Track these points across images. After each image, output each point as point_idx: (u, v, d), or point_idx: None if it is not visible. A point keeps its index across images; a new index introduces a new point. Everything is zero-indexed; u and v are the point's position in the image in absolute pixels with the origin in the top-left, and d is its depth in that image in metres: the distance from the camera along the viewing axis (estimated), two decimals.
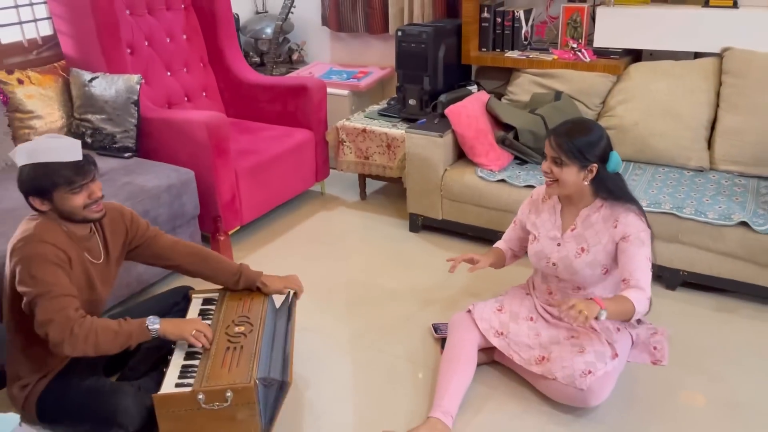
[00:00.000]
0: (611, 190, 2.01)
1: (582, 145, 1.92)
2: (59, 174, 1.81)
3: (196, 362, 1.90)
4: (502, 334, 2.14)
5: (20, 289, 1.81)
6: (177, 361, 1.91)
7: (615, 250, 2.00)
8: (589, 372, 1.92)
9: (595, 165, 1.94)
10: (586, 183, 1.98)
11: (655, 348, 2.24)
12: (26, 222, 1.90)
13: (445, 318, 2.46)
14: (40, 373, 1.96)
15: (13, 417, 1.36)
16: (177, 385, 1.81)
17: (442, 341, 2.35)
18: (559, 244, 2.09)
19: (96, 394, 1.90)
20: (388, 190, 3.74)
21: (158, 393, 1.78)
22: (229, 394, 1.77)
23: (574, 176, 1.96)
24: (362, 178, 3.60)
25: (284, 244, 3.17)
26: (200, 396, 1.77)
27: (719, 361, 2.24)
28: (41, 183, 1.82)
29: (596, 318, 1.79)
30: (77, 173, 1.84)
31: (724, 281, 2.54)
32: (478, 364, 2.15)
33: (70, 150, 1.83)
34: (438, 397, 1.99)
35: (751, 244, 2.42)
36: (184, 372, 1.86)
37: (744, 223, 2.42)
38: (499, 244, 2.37)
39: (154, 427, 1.95)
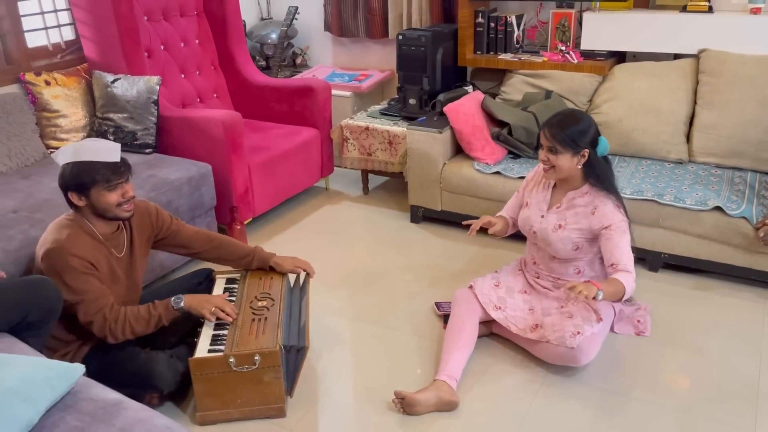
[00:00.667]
0: (599, 175, 2.23)
1: (573, 134, 2.15)
2: (99, 172, 2.00)
3: (224, 332, 2.10)
4: (500, 308, 2.36)
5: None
6: (207, 331, 2.11)
7: (590, 233, 2.23)
8: (578, 333, 2.15)
9: (587, 150, 2.18)
10: (579, 167, 2.21)
11: (638, 321, 2.47)
12: (58, 229, 2.04)
13: (446, 297, 2.68)
14: (78, 342, 2.15)
15: (79, 367, 1.55)
16: (209, 351, 2.02)
17: (445, 317, 2.57)
18: (542, 216, 2.33)
19: (133, 361, 2.10)
20: (389, 185, 3.96)
21: (193, 357, 1.99)
22: (257, 357, 1.98)
23: (569, 161, 2.19)
24: (365, 174, 3.82)
25: (293, 235, 3.38)
26: (231, 359, 1.97)
27: (697, 334, 2.46)
28: (82, 179, 2.00)
29: (594, 298, 2.00)
30: (114, 173, 2.03)
31: (701, 262, 2.77)
32: (479, 336, 2.37)
33: (111, 152, 2.02)
34: (443, 362, 2.20)
35: (725, 227, 2.65)
36: (215, 340, 2.07)
37: (719, 208, 2.65)
38: (504, 212, 2.58)
39: (185, 390, 2.17)
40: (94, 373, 2.12)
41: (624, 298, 2.16)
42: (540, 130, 2.26)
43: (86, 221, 2.08)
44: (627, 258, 2.17)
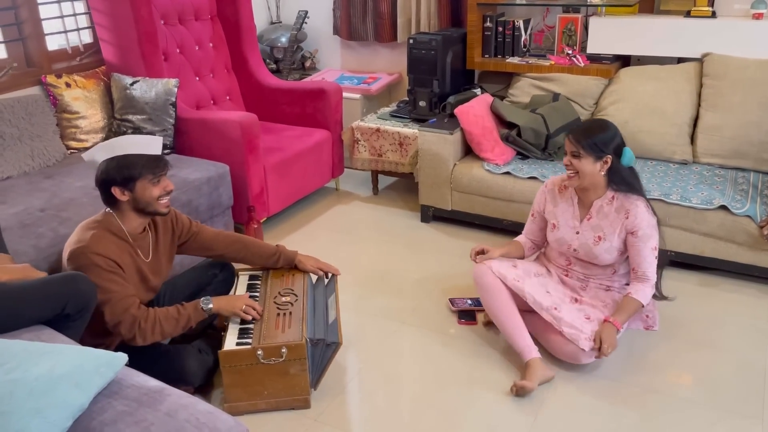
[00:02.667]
0: (624, 179, 2.30)
1: (597, 140, 2.23)
2: (145, 165, 2.04)
3: (251, 325, 2.17)
4: (518, 281, 2.40)
5: None
6: (234, 325, 2.19)
7: (626, 238, 2.32)
8: (593, 339, 2.23)
9: (610, 156, 2.24)
10: (602, 173, 2.27)
11: (647, 316, 2.55)
12: (82, 231, 2.07)
13: (458, 294, 2.76)
14: (106, 338, 2.20)
15: (123, 356, 1.62)
16: (237, 344, 2.09)
17: (459, 313, 2.65)
18: (577, 232, 2.39)
19: (163, 356, 2.17)
20: (398, 185, 4.05)
21: (223, 350, 2.06)
22: (284, 350, 2.05)
23: (591, 166, 2.25)
24: (375, 175, 3.90)
25: (306, 234, 3.45)
26: (259, 352, 2.04)
27: (703, 329, 2.54)
28: (130, 172, 2.02)
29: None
30: (158, 164, 2.07)
31: (706, 259, 2.85)
32: (491, 325, 2.49)
33: (152, 145, 2.07)
34: (518, 344, 2.29)
35: (730, 225, 2.73)
36: (242, 333, 2.14)
37: (724, 207, 2.74)
38: (519, 237, 2.63)
39: (211, 383, 2.23)
40: None
41: (639, 309, 2.29)
42: (554, 133, 2.34)
43: (116, 220, 2.10)
44: (647, 264, 2.27)
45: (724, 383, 2.24)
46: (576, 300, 2.38)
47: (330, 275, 2.51)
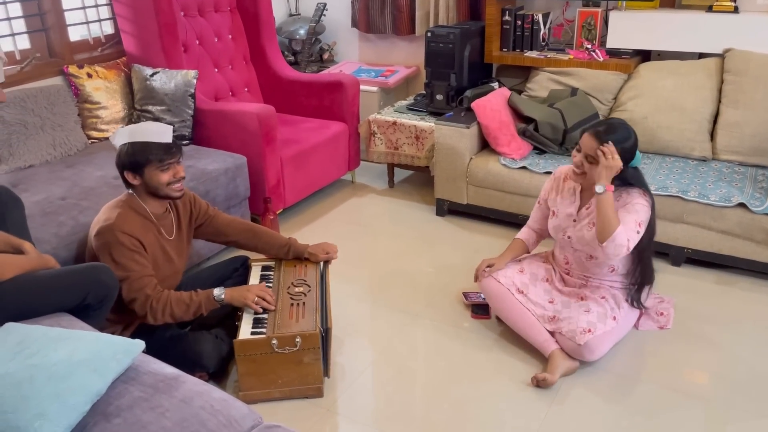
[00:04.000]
0: (627, 180, 2.28)
1: (617, 148, 2.18)
2: (152, 152, 2.12)
3: (265, 315, 2.20)
4: (522, 292, 2.43)
5: None
6: (249, 314, 2.21)
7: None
8: (589, 330, 2.21)
9: (621, 167, 2.21)
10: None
11: (661, 313, 2.53)
12: (110, 209, 2.17)
13: (472, 288, 2.76)
14: (125, 322, 2.26)
15: (140, 343, 1.65)
16: (252, 333, 2.12)
17: (473, 306, 2.66)
18: (574, 221, 2.38)
19: (180, 341, 2.21)
20: (414, 178, 4.05)
21: (238, 339, 2.09)
22: (298, 339, 2.08)
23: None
24: (391, 168, 3.90)
25: (322, 226, 3.48)
26: (274, 341, 2.07)
27: (719, 328, 2.52)
28: (137, 158, 2.13)
29: (597, 190, 2.16)
30: (166, 153, 2.15)
31: (724, 257, 2.83)
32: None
33: (163, 133, 2.14)
34: (537, 341, 2.33)
35: (749, 223, 2.71)
36: (257, 323, 2.17)
37: (742, 205, 2.71)
38: (523, 230, 2.63)
39: (224, 372, 2.27)
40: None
41: (610, 242, 2.15)
42: (571, 128, 2.32)
43: (139, 201, 2.20)
44: (627, 225, 2.17)
45: (739, 382, 2.22)
46: (581, 297, 2.37)
47: (322, 264, 2.53)
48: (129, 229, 2.12)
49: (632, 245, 2.20)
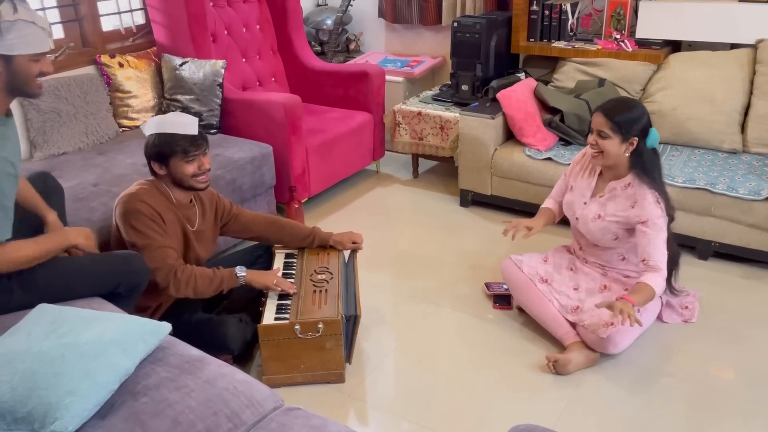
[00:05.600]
0: (645, 166, 2.26)
1: (625, 120, 2.20)
2: (177, 144, 2.16)
3: (288, 302, 2.24)
4: (546, 281, 2.44)
5: (127, 239, 2.17)
6: (272, 300, 2.25)
7: (627, 224, 2.28)
8: (611, 324, 2.20)
9: (636, 138, 2.22)
10: (627, 154, 2.25)
11: (686, 307, 2.51)
12: (135, 185, 2.23)
13: (494, 279, 2.77)
14: (152, 306, 2.31)
15: (167, 325, 1.70)
16: (275, 319, 2.16)
17: (495, 297, 2.66)
18: (585, 203, 2.39)
19: (206, 324, 2.26)
20: (438, 169, 4.06)
21: (261, 323, 2.13)
22: (320, 325, 2.11)
23: (617, 148, 2.23)
24: (415, 158, 3.92)
25: (346, 215, 3.51)
26: (297, 327, 2.11)
27: (744, 322, 2.49)
28: (163, 150, 2.17)
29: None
30: (191, 144, 2.18)
31: (752, 251, 2.78)
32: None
33: (189, 125, 2.17)
34: (557, 332, 2.35)
35: None
36: (280, 309, 2.21)
37: None
38: (547, 202, 2.64)
39: (250, 354, 2.32)
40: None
41: (655, 297, 2.19)
42: (593, 113, 2.31)
43: (164, 186, 2.25)
44: (659, 255, 2.21)
45: (764, 378, 2.20)
46: (605, 287, 2.37)
47: (348, 253, 2.56)
48: (150, 201, 2.16)
49: (666, 268, 2.22)
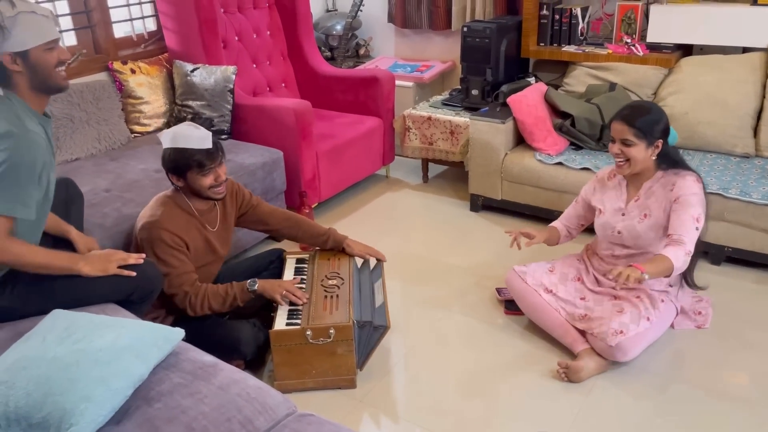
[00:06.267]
0: (674, 159, 2.25)
1: (647, 124, 2.18)
2: (193, 159, 2.17)
3: (300, 307, 2.24)
4: (551, 291, 2.42)
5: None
6: (284, 306, 2.26)
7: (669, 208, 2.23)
8: (621, 332, 2.17)
9: (660, 140, 2.19)
10: (653, 158, 2.23)
11: (699, 313, 2.49)
12: (157, 205, 2.24)
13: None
14: (163, 310, 2.33)
15: (180, 331, 1.71)
16: (287, 324, 2.16)
17: (505, 302, 2.66)
18: (623, 214, 2.35)
19: (219, 329, 2.28)
20: (448, 174, 4.05)
21: (273, 329, 2.14)
22: (331, 331, 2.11)
23: (643, 153, 2.21)
24: (425, 163, 3.92)
25: (356, 220, 3.51)
26: (308, 332, 2.11)
27: (758, 328, 2.47)
28: (179, 164, 2.19)
29: (640, 281, 2.03)
30: (207, 158, 2.19)
31: (765, 256, 2.76)
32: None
33: (203, 140, 2.18)
34: (565, 340, 2.33)
35: None
36: (291, 314, 2.21)
37: None
38: (555, 223, 2.63)
39: (262, 358, 2.33)
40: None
41: (673, 273, 2.11)
42: (609, 124, 2.29)
43: (184, 198, 2.28)
44: (685, 230, 2.13)
45: None
46: (615, 297, 2.34)
47: (376, 261, 2.56)
48: (173, 227, 2.20)
49: (693, 247, 2.14)
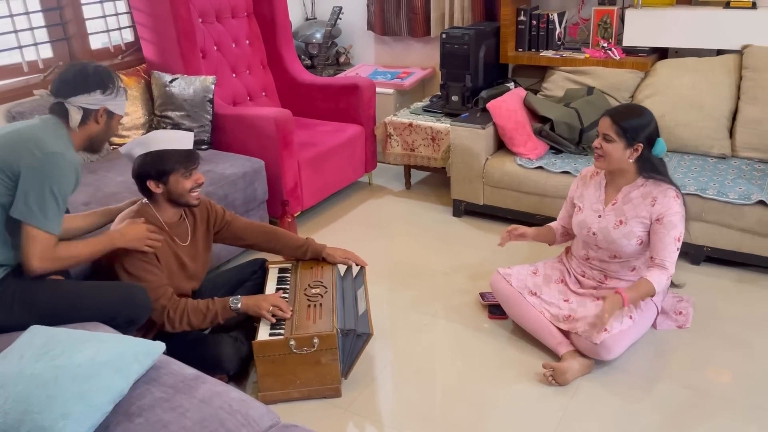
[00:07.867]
0: (657, 168, 2.28)
1: (631, 126, 2.20)
2: (177, 159, 2.14)
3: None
4: (535, 294, 2.44)
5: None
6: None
7: (650, 225, 2.27)
8: (605, 329, 2.20)
9: (641, 145, 2.21)
10: (630, 161, 2.25)
11: (680, 313, 2.52)
12: (122, 220, 2.18)
13: (489, 289, 2.76)
14: (146, 325, 2.26)
15: (161, 345, 1.69)
16: (270, 335, 2.15)
17: (489, 307, 2.66)
18: (600, 216, 2.37)
19: (201, 344, 2.25)
20: (430, 180, 4.06)
21: (256, 340, 2.12)
22: (315, 340, 2.10)
23: (620, 153, 2.23)
24: (407, 169, 3.92)
25: (339, 228, 3.51)
26: (292, 342, 2.10)
27: (739, 326, 2.50)
28: (163, 166, 2.13)
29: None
30: (190, 159, 2.17)
31: (743, 255, 2.80)
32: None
33: (184, 140, 2.16)
34: (549, 343, 2.34)
35: None
36: (275, 324, 2.19)
37: (762, 202, 2.68)
38: (552, 223, 2.65)
39: (245, 372, 2.30)
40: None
41: (654, 296, 2.22)
42: (588, 127, 2.32)
43: (152, 210, 2.21)
44: (667, 253, 2.21)
45: (760, 382, 2.20)
46: (597, 298, 2.36)
47: (359, 267, 2.55)
48: None
49: (674, 268, 2.23)
